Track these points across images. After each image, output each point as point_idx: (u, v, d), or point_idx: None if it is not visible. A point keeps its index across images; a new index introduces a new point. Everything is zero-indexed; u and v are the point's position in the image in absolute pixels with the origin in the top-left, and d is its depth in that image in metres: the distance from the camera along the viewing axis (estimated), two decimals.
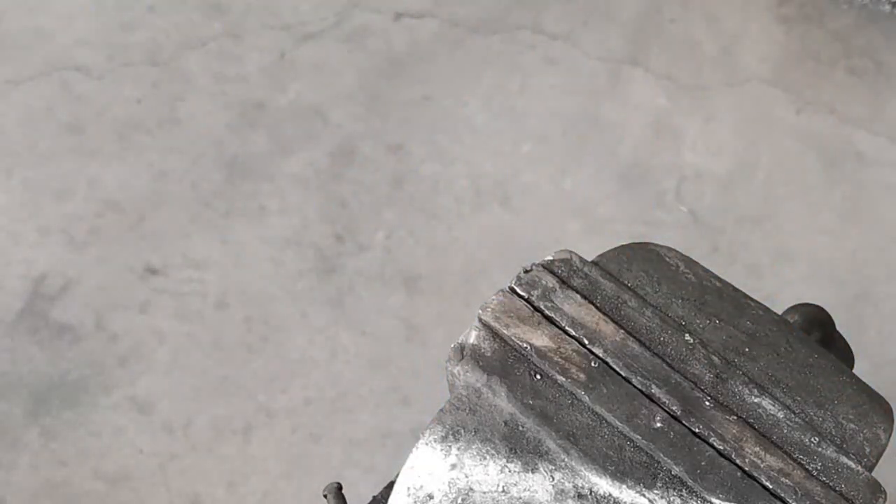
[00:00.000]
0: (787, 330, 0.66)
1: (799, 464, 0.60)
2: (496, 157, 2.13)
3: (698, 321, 0.65)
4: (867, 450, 0.61)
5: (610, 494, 0.59)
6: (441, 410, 0.62)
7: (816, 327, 0.71)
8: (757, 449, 0.61)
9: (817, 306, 0.73)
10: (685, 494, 0.59)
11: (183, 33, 2.28)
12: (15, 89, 2.21)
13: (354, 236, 2.03)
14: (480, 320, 0.64)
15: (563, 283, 0.66)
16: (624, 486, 0.60)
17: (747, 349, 0.64)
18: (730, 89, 2.22)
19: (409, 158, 2.12)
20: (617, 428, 0.61)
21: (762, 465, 0.60)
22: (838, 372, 0.64)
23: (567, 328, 0.64)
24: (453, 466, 0.60)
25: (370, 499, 0.65)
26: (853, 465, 0.60)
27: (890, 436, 0.62)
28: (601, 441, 0.61)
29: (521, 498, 0.60)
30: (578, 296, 0.65)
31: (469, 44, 2.25)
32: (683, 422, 0.61)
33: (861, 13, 2.28)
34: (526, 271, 0.66)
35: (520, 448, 0.61)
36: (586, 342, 0.64)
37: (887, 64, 2.24)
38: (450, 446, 0.61)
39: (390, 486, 0.62)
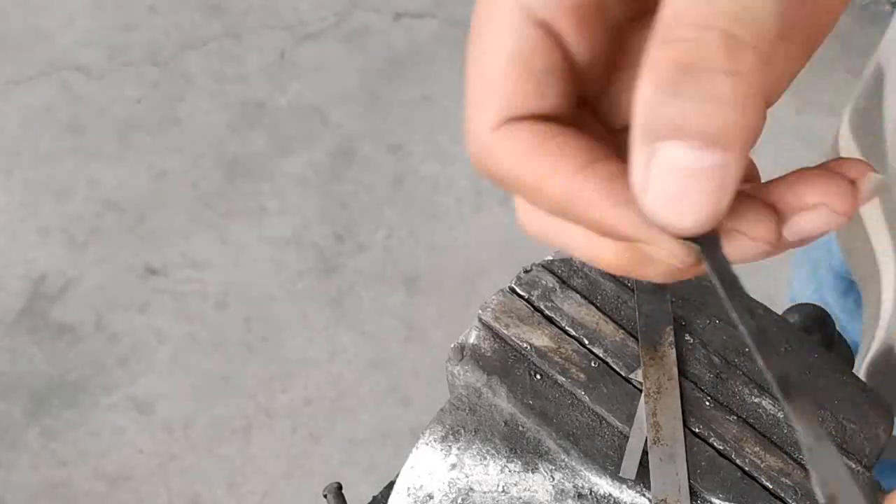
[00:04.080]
0: (788, 330, 0.66)
1: (799, 464, 0.60)
2: None
3: (698, 321, 0.65)
4: (867, 450, 0.61)
5: (610, 494, 0.59)
6: (441, 410, 0.62)
7: (816, 327, 0.71)
8: (757, 449, 0.61)
9: (817, 306, 0.73)
10: None
11: (183, 33, 2.28)
12: (15, 89, 2.21)
13: (354, 236, 2.03)
14: (480, 320, 0.64)
15: (563, 283, 0.65)
16: (624, 486, 0.60)
17: (747, 349, 0.64)
18: None
19: (409, 158, 2.12)
20: (617, 428, 0.61)
21: (762, 465, 0.60)
22: (838, 372, 0.64)
23: (567, 328, 0.64)
24: (453, 466, 0.60)
25: (370, 499, 0.64)
26: (853, 465, 0.60)
27: (890, 436, 0.62)
28: (601, 441, 0.61)
29: (521, 498, 0.60)
30: (578, 296, 0.65)
31: None
32: (683, 422, 0.61)
33: (861, 13, 2.28)
34: (526, 271, 0.66)
35: (520, 448, 0.61)
36: (586, 342, 0.64)
37: None
38: (450, 446, 0.61)
39: (390, 486, 0.62)
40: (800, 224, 0.33)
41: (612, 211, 0.31)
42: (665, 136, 0.29)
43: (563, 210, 0.33)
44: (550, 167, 0.33)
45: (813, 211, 0.32)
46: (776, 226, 0.33)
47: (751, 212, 0.32)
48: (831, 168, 0.33)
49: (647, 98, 0.29)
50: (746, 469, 0.59)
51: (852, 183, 0.32)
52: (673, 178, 0.29)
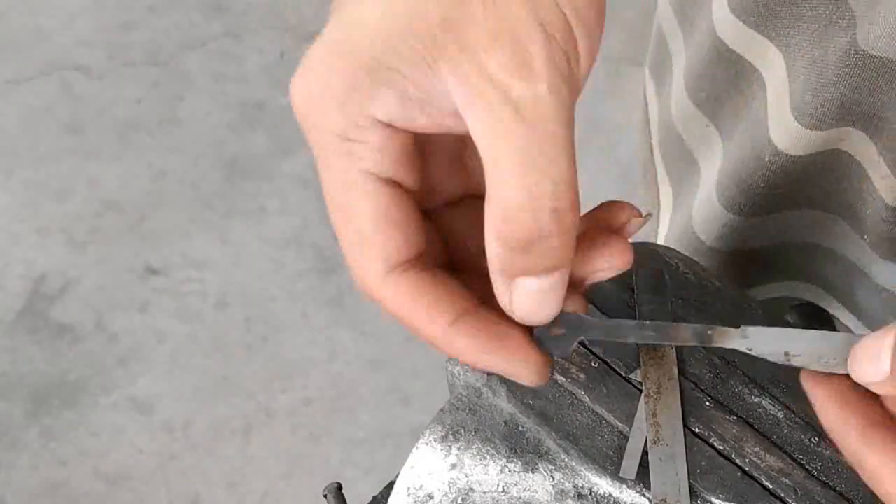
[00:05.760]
0: None
1: (799, 464, 0.60)
2: None
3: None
4: None
5: (610, 494, 0.59)
6: (441, 410, 0.62)
7: (816, 327, 0.71)
8: (757, 449, 0.61)
9: (817, 306, 0.73)
10: None
11: (183, 33, 2.28)
12: (15, 89, 2.21)
13: None
14: None
15: None
16: (624, 486, 0.60)
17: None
18: None
19: None
20: (617, 428, 0.61)
21: (762, 465, 0.60)
22: None
23: None
24: (453, 466, 0.60)
25: (370, 499, 0.65)
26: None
27: None
28: (601, 441, 0.61)
29: (521, 498, 0.60)
30: None
31: None
32: (684, 422, 0.61)
33: None
34: None
35: (520, 448, 0.61)
36: (586, 342, 0.64)
37: None
38: (450, 446, 0.61)
39: (390, 486, 0.62)
40: (596, 279, 0.44)
41: (481, 356, 0.43)
42: (518, 275, 0.40)
43: (444, 351, 0.44)
44: (427, 319, 0.43)
45: (604, 270, 0.43)
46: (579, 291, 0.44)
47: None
48: (601, 218, 0.43)
49: (503, 255, 0.40)
50: (746, 469, 0.59)
51: (621, 233, 0.43)
52: (530, 298, 0.41)
